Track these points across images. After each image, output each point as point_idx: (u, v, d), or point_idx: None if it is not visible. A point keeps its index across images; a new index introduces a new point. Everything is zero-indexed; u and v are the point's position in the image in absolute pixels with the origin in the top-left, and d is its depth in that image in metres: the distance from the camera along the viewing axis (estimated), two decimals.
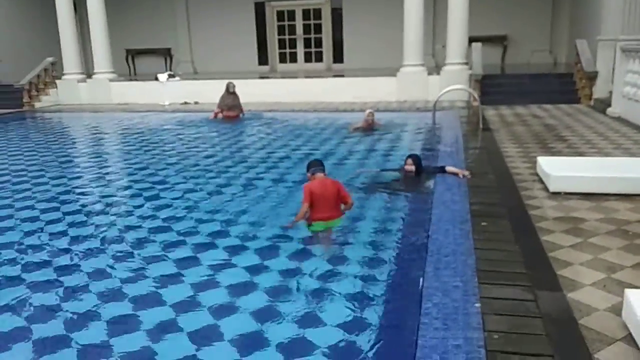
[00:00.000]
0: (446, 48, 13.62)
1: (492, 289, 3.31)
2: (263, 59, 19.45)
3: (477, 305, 3.10)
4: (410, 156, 6.23)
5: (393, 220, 4.97)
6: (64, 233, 5.06)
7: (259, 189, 6.30)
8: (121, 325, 3.37)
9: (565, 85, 12.62)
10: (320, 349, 3.01)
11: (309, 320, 3.33)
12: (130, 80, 17.03)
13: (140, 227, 5.15)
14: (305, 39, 19.06)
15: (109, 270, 4.18)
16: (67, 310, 3.56)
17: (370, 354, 2.92)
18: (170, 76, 16.03)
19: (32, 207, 5.90)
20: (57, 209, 5.80)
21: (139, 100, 15.28)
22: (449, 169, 6.13)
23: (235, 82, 12.02)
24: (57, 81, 16.23)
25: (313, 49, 19.05)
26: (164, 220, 5.32)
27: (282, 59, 19.37)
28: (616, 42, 10.23)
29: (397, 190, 5.88)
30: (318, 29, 18.85)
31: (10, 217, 5.59)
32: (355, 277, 3.85)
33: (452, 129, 9.24)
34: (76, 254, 4.49)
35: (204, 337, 3.19)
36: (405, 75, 13.54)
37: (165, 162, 7.98)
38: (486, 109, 10.85)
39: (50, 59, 16.20)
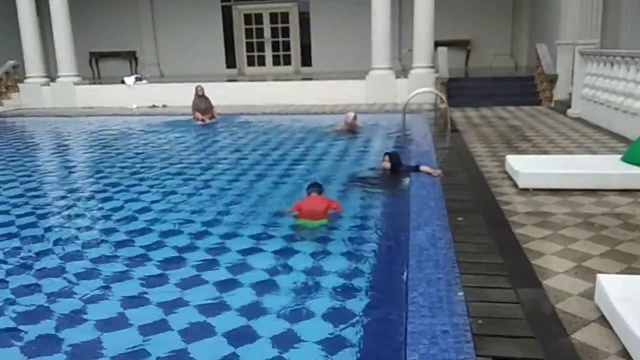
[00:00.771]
0: (413, 52, 13.94)
1: (473, 279, 3.48)
2: (231, 62, 19.42)
3: (460, 293, 3.27)
4: (387, 153, 6.41)
5: (374, 217, 5.13)
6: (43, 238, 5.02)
7: (238, 189, 6.37)
8: (110, 324, 3.39)
9: (527, 88, 13.09)
10: (311, 341, 3.11)
11: (299, 314, 3.42)
12: (95, 83, 16.74)
13: (118, 230, 5.14)
14: (273, 43, 19.12)
15: (95, 271, 4.18)
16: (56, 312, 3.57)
17: (362, 342, 3.04)
18: (137, 79, 15.84)
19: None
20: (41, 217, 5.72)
21: (105, 103, 15.02)
22: (422, 168, 6.33)
23: (203, 85, 12.00)
24: (20, 85, 15.83)
25: (281, 53, 19.14)
26: (146, 222, 5.32)
27: (250, 62, 19.38)
28: (575, 45, 10.70)
29: (375, 189, 6.05)
30: (286, 32, 18.95)
31: None
32: (341, 271, 3.97)
33: (422, 131, 9.49)
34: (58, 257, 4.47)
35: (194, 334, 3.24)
36: (374, 79, 13.79)
37: (137, 166, 7.95)
38: (453, 111, 11.15)
39: (11, 62, 15.79)
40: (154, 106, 14.66)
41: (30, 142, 10.90)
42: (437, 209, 4.90)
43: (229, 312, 3.49)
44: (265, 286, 3.80)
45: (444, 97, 10.71)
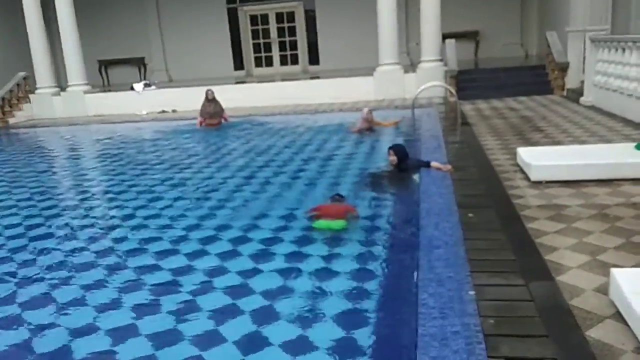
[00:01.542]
0: (420, 45, 13.82)
1: (484, 277, 3.42)
2: (238, 64, 19.45)
3: (472, 292, 3.21)
4: (391, 147, 6.35)
5: (384, 215, 5.08)
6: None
7: (250, 192, 6.38)
8: (122, 333, 3.40)
9: (538, 77, 12.91)
10: (323, 344, 3.08)
11: (310, 318, 3.39)
12: (105, 91, 16.87)
13: (129, 238, 5.16)
14: (280, 42, 19.12)
15: (104, 282, 4.19)
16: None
17: (372, 346, 3.00)
18: (146, 85, 15.93)
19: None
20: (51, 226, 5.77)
21: (115, 111, 15.15)
22: (433, 164, 6.26)
23: (213, 88, 12.01)
24: (31, 96, 16.02)
25: (288, 52, 19.12)
26: (156, 229, 5.34)
27: (258, 63, 19.39)
28: (585, 32, 10.52)
29: (385, 186, 6.00)
30: (292, 31, 18.93)
31: None
32: (352, 273, 3.93)
33: (432, 125, 9.39)
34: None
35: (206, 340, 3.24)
36: (382, 74, 13.70)
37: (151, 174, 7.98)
38: (463, 104, 11.05)
39: (22, 74, 15.97)
40: (163, 111, 14.75)
41: (45, 154, 11.02)
42: (447, 205, 4.83)
43: (242, 317, 3.48)
44: (275, 291, 3.78)
45: (453, 91, 10.59)
